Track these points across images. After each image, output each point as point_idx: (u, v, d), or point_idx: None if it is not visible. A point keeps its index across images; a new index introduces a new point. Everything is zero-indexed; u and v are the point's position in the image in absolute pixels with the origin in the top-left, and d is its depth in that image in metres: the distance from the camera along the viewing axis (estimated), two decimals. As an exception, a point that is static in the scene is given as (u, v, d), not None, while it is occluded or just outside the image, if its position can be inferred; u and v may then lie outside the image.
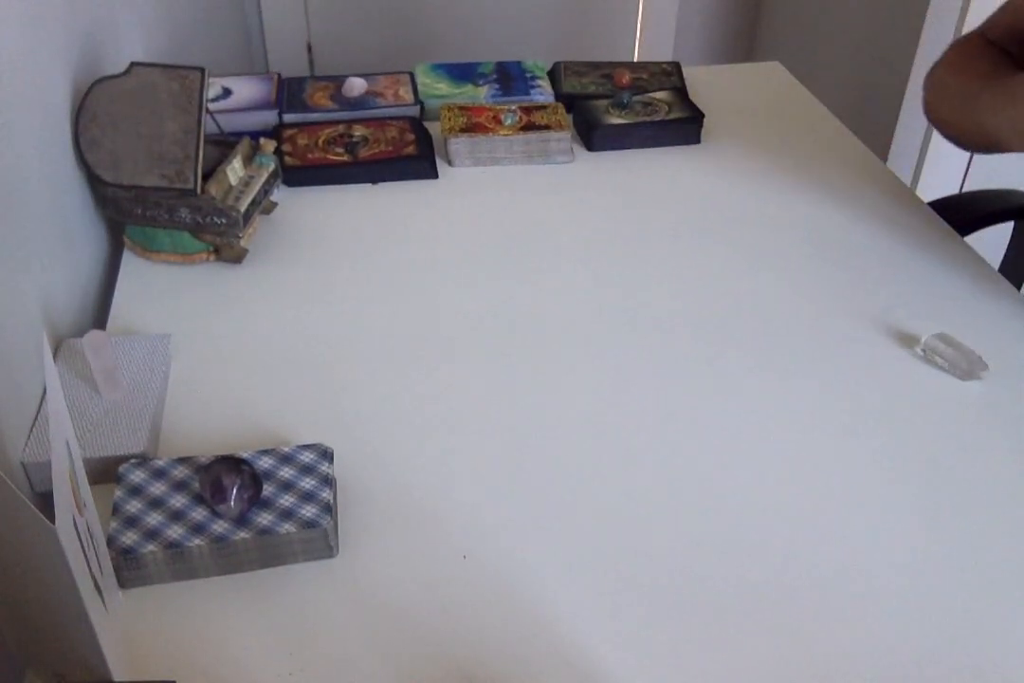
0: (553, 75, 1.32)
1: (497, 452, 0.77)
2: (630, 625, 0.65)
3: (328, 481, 0.71)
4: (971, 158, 1.84)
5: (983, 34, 0.90)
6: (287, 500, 0.69)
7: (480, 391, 0.83)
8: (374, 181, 1.13)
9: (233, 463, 0.68)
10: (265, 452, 0.73)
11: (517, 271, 0.98)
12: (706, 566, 0.69)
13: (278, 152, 1.10)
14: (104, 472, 0.73)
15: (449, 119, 1.20)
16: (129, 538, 0.66)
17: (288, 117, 1.19)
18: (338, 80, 1.27)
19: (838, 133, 1.25)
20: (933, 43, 1.76)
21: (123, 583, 0.66)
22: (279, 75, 1.27)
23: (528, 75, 1.31)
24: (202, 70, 0.96)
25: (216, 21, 2.02)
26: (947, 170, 1.88)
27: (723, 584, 0.67)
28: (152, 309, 0.94)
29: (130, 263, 1.01)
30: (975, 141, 0.84)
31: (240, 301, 0.95)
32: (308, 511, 0.68)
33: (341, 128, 1.18)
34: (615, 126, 1.20)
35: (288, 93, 1.23)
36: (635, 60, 2.59)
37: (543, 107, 1.22)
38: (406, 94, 1.25)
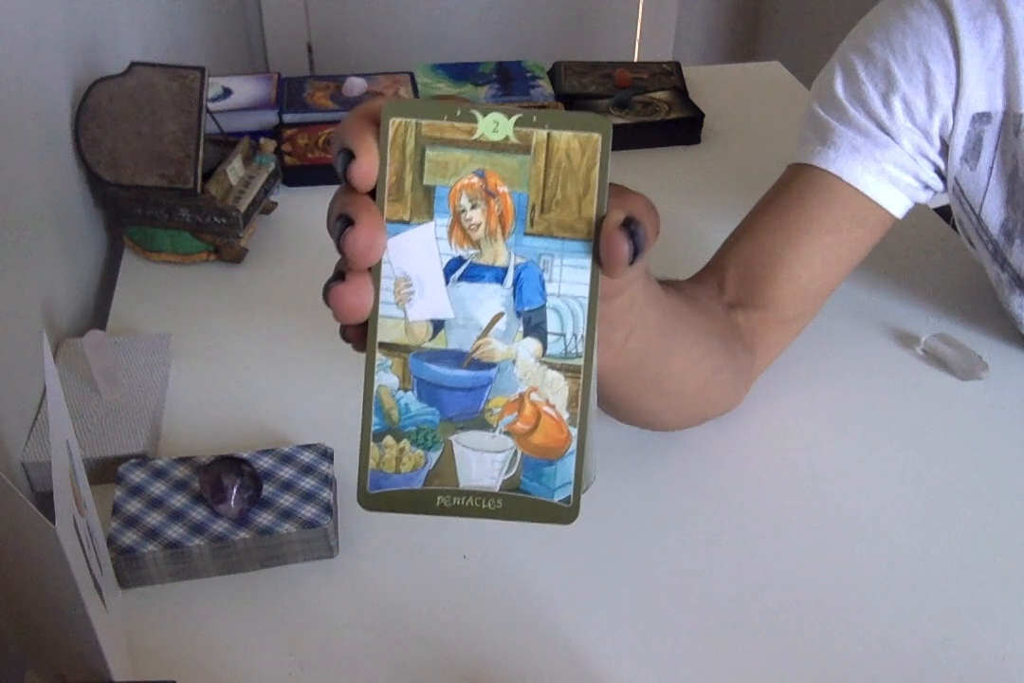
0: (553, 75, 1.32)
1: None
2: (630, 625, 0.65)
3: (328, 481, 0.71)
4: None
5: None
6: (287, 500, 0.69)
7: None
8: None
9: (233, 463, 0.68)
10: (265, 452, 0.73)
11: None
12: (708, 564, 0.69)
13: (278, 152, 1.10)
14: (104, 472, 0.73)
15: (449, 119, 1.20)
16: (129, 538, 0.66)
17: (288, 117, 1.19)
18: (338, 80, 1.27)
19: (838, 133, 1.25)
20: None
21: (123, 583, 0.66)
22: (279, 75, 1.26)
23: (528, 75, 1.31)
24: (202, 70, 0.96)
25: (216, 21, 2.02)
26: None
27: (725, 582, 0.67)
28: (152, 309, 0.94)
29: (130, 263, 1.01)
30: None
31: (240, 301, 0.95)
32: (308, 511, 0.68)
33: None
34: (615, 126, 1.20)
35: (288, 93, 1.23)
36: (635, 60, 2.59)
37: (543, 107, 1.22)
38: (406, 94, 1.25)
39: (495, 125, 0.37)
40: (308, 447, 0.74)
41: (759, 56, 2.70)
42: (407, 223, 0.37)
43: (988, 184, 0.76)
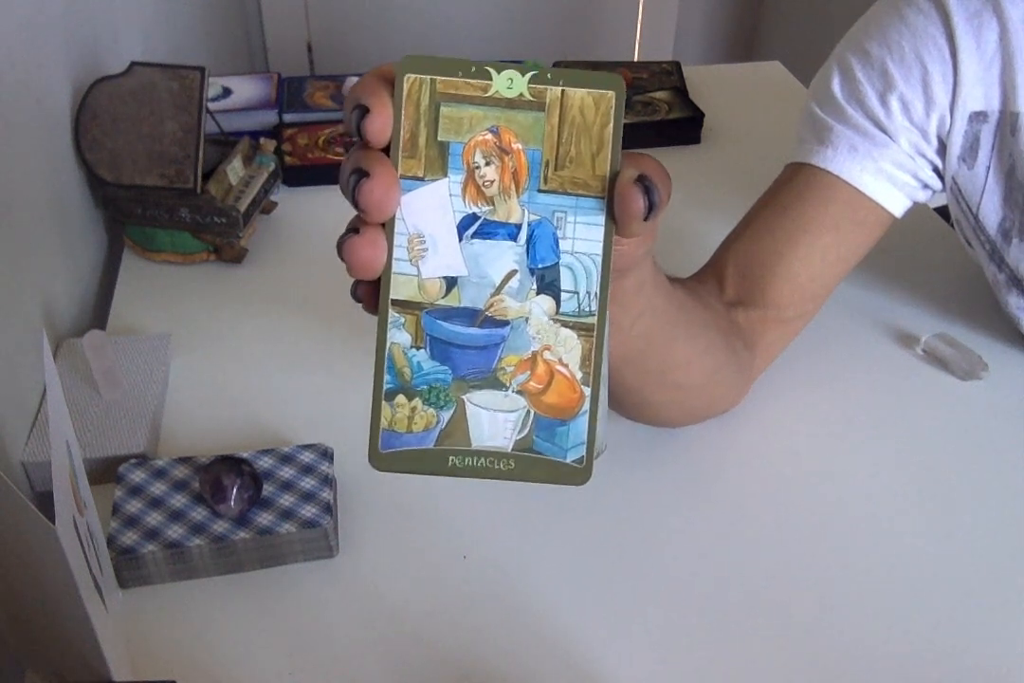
0: (553, 75, 1.32)
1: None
2: (630, 625, 0.65)
3: (328, 481, 0.71)
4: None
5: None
6: (287, 500, 0.69)
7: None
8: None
9: (233, 463, 0.68)
10: (265, 452, 0.73)
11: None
12: (709, 564, 0.69)
13: (278, 152, 1.10)
14: (104, 472, 0.73)
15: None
16: (129, 538, 0.66)
17: (288, 117, 1.19)
18: (338, 80, 1.27)
19: (838, 133, 1.25)
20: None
21: (123, 583, 0.66)
22: (279, 75, 1.26)
23: (528, 75, 1.30)
24: (202, 70, 0.96)
25: (216, 21, 2.02)
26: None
27: (725, 582, 0.67)
28: (152, 309, 0.94)
29: (130, 263, 1.01)
30: None
31: (240, 301, 0.95)
32: (308, 511, 0.68)
33: (341, 128, 1.18)
34: (615, 126, 1.20)
35: (288, 93, 1.23)
36: (635, 60, 2.59)
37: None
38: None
39: (510, 82, 0.37)
40: (308, 447, 0.74)
41: (759, 56, 2.70)
42: (421, 179, 0.37)
43: (985, 183, 0.76)
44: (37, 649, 0.59)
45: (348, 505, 0.72)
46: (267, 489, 0.70)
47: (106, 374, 0.79)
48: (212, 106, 1.09)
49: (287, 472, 0.71)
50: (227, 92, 1.21)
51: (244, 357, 0.88)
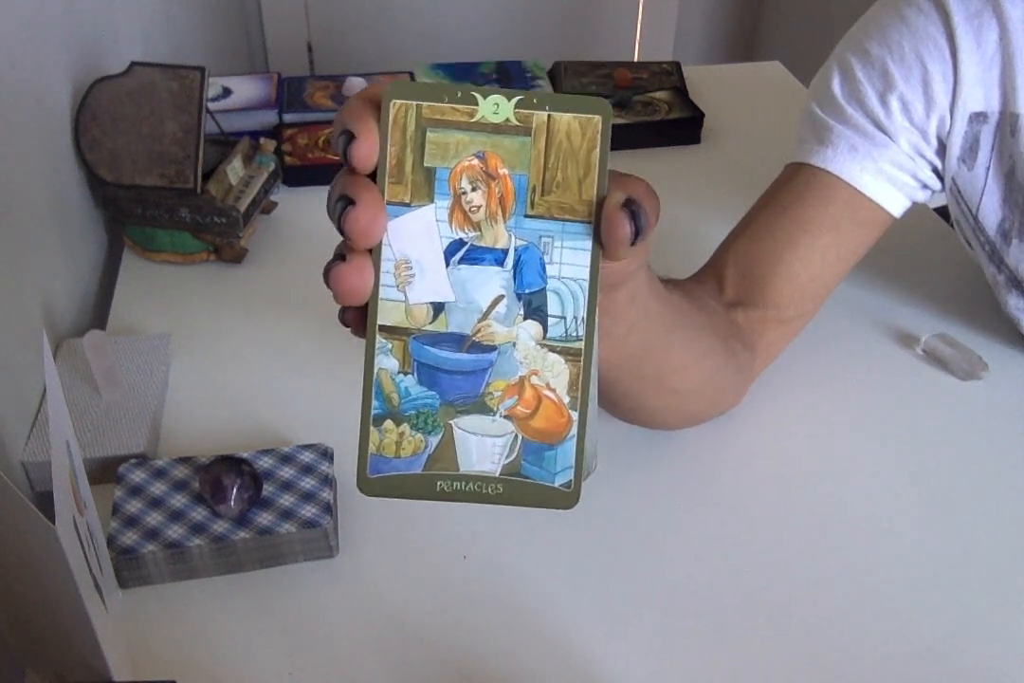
0: (553, 75, 1.32)
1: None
2: (630, 625, 0.65)
3: (328, 481, 0.71)
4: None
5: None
6: (287, 500, 0.69)
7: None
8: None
9: (233, 463, 0.68)
10: (265, 452, 0.73)
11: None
12: (707, 565, 0.69)
13: (278, 152, 1.10)
14: (104, 472, 0.73)
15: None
16: (129, 538, 0.66)
17: (288, 117, 1.19)
18: (338, 80, 1.27)
19: (838, 133, 1.25)
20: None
21: (123, 583, 0.66)
22: (279, 75, 1.26)
23: (528, 75, 1.30)
24: (202, 70, 0.96)
25: (216, 21, 2.02)
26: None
27: (724, 583, 0.67)
28: (152, 309, 0.94)
29: (130, 263, 1.01)
30: None
31: (240, 301, 0.95)
32: (308, 511, 0.68)
33: (341, 128, 1.18)
34: (615, 126, 1.20)
35: (288, 93, 1.23)
36: (635, 60, 2.58)
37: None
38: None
39: (496, 107, 0.37)
40: (308, 447, 0.74)
41: (759, 56, 2.70)
42: (407, 205, 0.37)
43: (985, 184, 0.76)
44: (37, 649, 0.59)
45: (348, 505, 0.72)
46: (267, 489, 0.70)
47: (106, 374, 0.79)
48: (212, 106, 1.09)
49: (287, 472, 0.71)
50: (227, 92, 1.21)
51: (244, 357, 0.88)
